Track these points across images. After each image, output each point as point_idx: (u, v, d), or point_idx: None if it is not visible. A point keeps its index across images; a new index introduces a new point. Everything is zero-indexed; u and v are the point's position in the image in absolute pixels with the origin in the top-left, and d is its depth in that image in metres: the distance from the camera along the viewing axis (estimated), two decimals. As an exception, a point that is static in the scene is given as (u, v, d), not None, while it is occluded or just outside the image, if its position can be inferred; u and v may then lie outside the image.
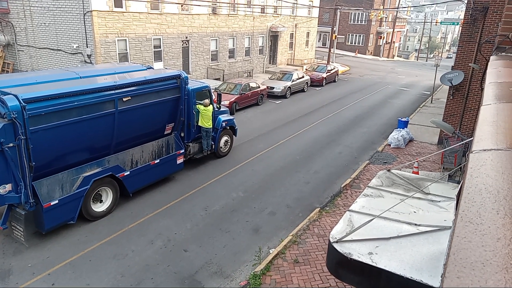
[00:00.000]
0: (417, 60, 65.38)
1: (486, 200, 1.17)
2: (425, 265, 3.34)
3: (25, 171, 7.73)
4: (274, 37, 32.61)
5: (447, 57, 66.77)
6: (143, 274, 7.70)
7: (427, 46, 75.93)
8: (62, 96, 8.10)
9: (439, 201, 4.63)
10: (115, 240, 8.76)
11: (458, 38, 16.53)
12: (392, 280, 3.32)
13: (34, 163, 7.83)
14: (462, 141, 11.28)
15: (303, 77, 25.72)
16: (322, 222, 9.68)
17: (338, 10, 37.00)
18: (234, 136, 14.16)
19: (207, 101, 12.11)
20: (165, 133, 11.28)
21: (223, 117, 13.38)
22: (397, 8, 57.29)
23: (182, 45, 23.49)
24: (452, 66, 15.35)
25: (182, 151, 11.69)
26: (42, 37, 20.86)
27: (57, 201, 8.39)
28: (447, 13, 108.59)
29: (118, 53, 19.69)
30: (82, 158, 9.08)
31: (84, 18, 18.30)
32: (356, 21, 54.37)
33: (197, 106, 12.04)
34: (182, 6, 22.68)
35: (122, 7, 19.42)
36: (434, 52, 73.77)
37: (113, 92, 9.10)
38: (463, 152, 12.23)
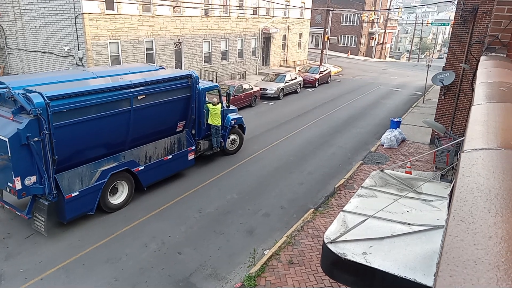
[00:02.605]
0: (409, 60, 65.89)
1: (477, 199, 1.18)
2: (418, 264, 3.36)
3: (48, 164, 8.23)
4: (266, 38, 32.67)
5: (438, 58, 67.44)
6: (137, 277, 7.66)
7: (418, 46, 76.57)
8: (82, 94, 8.64)
9: (432, 201, 4.67)
10: (109, 243, 8.70)
11: (449, 38, 16.70)
12: (386, 280, 3.34)
13: (57, 157, 8.32)
14: (454, 140, 11.38)
15: (296, 78, 25.79)
16: (316, 223, 9.70)
17: (330, 11, 37.18)
18: (243, 134, 14.56)
19: (215, 100, 12.66)
20: (177, 130, 11.76)
21: (232, 116, 13.81)
22: (389, 9, 57.71)
23: (175, 47, 23.43)
24: (443, 66, 15.51)
25: (193, 147, 12.20)
26: (32, 40, 20.67)
27: (77, 193, 8.92)
28: (437, 14, 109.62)
29: (110, 56, 19.58)
30: (100, 153, 9.57)
31: (75, 21, 18.18)
32: (348, 22, 54.68)
33: (206, 104, 12.51)
34: (174, 8, 22.63)
35: (113, 10, 19.31)
36: (426, 52, 74.39)
37: (129, 90, 9.63)
38: (455, 151, 12.34)
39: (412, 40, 75.63)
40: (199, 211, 10.23)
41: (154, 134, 10.93)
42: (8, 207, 9.29)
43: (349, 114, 20.74)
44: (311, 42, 51.45)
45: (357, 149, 15.43)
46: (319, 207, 10.58)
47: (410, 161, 12.09)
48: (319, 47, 45.26)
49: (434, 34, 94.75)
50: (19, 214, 8.94)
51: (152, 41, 21.81)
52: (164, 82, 10.67)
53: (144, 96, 10.02)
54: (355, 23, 53.85)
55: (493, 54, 4.71)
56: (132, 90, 9.71)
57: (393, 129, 16.32)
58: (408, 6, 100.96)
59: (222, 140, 13.37)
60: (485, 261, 0.87)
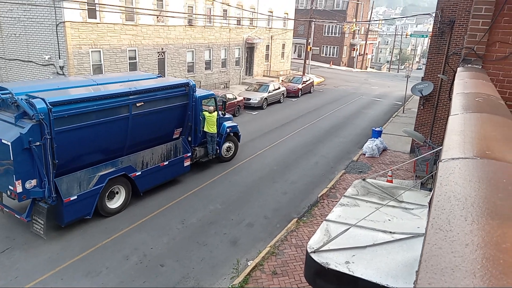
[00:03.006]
0: (389, 71, 67.33)
1: (455, 207, 1.20)
2: (400, 272, 3.39)
3: (49, 168, 8.42)
4: (250, 48, 32.91)
5: (417, 68, 69.09)
6: (118, 291, 7.47)
7: (398, 57, 78.40)
8: (83, 100, 8.89)
9: (413, 209, 4.74)
10: (89, 256, 8.49)
11: (427, 50, 17.17)
12: (369, 289, 3.35)
13: (57, 161, 8.52)
14: (433, 149, 11.62)
15: (279, 88, 25.99)
16: (299, 233, 9.70)
17: (313, 22, 37.78)
18: (238, 141, 14.84)
19: (211, 107, 12.98)
20: (173, 137, 12.01)
21: (228, 124, 14.17)
22: (369, 21, 59.04)
23: (158, 56, 23.34)
24: (422, 77, 15.90)
25: (189, 154, 12.44)
26: (12, 49, 20.26)
27: (75, 197, 9.12)
28: (416, 26, 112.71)
29: (92, 65, 19.35)
30: (98, 158, 9.77)
31: (56, 29, 17.93)
32: (330, 33, 55.62)
33: (202, 112, 12.77)
34: (158, 17, 22.60)
35: (96, 18, 19.16)
36: (405, 63, 76.19)
37: (128, 97, 9.88)
38: (434, 160, 12.60)
39: (392, 51, 77.42)
40: (182, 222, 10.10)
41: (152, 140, 11.16)
42: (7, 210, 9.35)
43: (332, 124, 20.98)
44: (294, 52, 52.06)
45: (339, 158, 15.59)
46: (302, 217, 10.60)
47: (391, 170, 12.28)
48: (302, 57, 45.81)
49: (413, 45, 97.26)
50: (19, 217, 9.04)
51: (135, 50, 21.68)
52: (162, 90, 10.94)
53: (142, 103, 10.24)
54: (337, 34, 54.83)
55: (469, 65, 4.86)
56: (131, 97, 9.94)
57: (375, 139, 16.57)
58: (388, 18, 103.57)
59: (217, 147, 13.67)
60: (462, 268, 0.89)
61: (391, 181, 11.78)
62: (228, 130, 14.05)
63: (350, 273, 3.47)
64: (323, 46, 56.35)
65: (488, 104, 2.83)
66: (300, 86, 28.69)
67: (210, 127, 12.95)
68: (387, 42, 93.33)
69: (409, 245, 3.78)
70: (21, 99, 8.19)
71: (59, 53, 18.27)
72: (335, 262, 3.61)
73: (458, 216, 1.14)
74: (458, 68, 4.79)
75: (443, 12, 14.17)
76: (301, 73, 34.64)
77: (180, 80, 12.20)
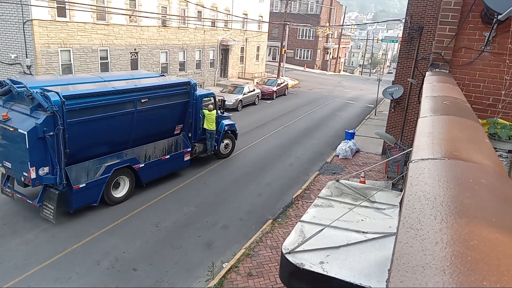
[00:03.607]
0: (361, 74, 68.79)
1: (424, 207, 1.24)
2: (373, 271, 3.46)
3: (60, 156, 9.04)
4: (225, 50, 32.84)
5: (388, 72, 70.95)
6: (89, 297, 7.26)
7: (370, 61, 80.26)
8: (93, 95, 9.53)
9: (384, 209, 4.85)
10: (57, 262, 8.20)
11: (398, 55, 17.66)
12: (343, 288, 3.40)
13: (68, 150, 9.15)
14: (403, 151, 11.95)
15: (254, 90, 26.05)
16: (275, 234, 9.74)
17: (287, 25, 38.12)
18: (235, 139, 15.48)
19: (211, 106, 13.63)
20: (175, 133, 12.67)
21: (226, 122, 14.77)
22: (342, 25, 60.18)
23: (131, 57, 22.91)
24: (393, 80, 16.34)
25: (189, 149, 13.09)
26: (-26, 46, 19.35)
27: (84, 185, 9.73)
28: (387, 32, 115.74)
29: (61, 64, 18.75)
30: (105, 150, 10.39)
31: (23, 27, 17.28)
32: (304, 36, 56.28)
33: (202, 110, 13.33)
34: (130, 17, 22.19)
35: (65, 17, 18.59)
36: (377, 67, 78.06)
37: (133, 94, 10.51)
38: (404, 161, 12.95)
39: (364, 55, 79.19)
40: (156, 225, 9.93)
41: (154, 135, 11.78)
42: (20, 196, 9.97)
43: (306, 126, 21.21)
44: (268, 55, 52.35)
45: (313, 160, 15.77)
46: (277, 218, 10.64)
47: (364, 171, 12.53)
48: (276, 60, 46.12)
49: (384, 50, 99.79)
50: (31, 202, 9.65)
51: (107, 50, 21.19)
52: (165, 88, 11.61)
53: (147, 99, 10.89)
54: (311, 37, 55.56)
55: (437, 70, 5.03)
56: (136, 93, 10.59)
57: (348, 140, 16.87)
58: (360, 23, 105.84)
59: (216, 144, 14.27)
60: (433, 266, 0.91)
61: (364, 182, 12.02)
62: (226, 128, 14.64)
63: (325, 273, 3.51)
64: (297, 49, 56.95)
65: (455, 107, 2.94)
66: (274, 89, 28.86)
67: (210, 125, 13.56)
68: (359, 46, 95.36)
69: (381, 244, 3.87)
70: (36, 92, 8.79)
71: (26, 52, 17.62)
72: (309, 262, 3.64)
73: (428, 215, 1.18)
74: (427, 73, 4.95)
75: (412, 18, 14.63)
76: (276, 76, 34.87)
77: (182, 79, 13.25)
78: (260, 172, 14.08)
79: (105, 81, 10.87)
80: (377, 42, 67.06)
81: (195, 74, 28.98)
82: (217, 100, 14.22)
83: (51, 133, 8.74)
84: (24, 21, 17.16)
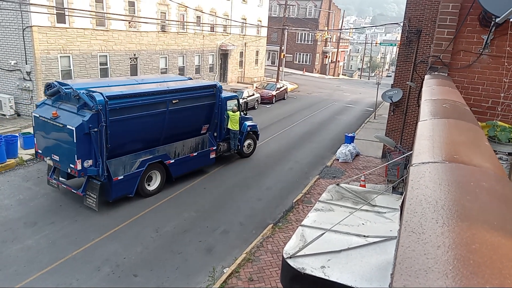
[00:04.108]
0: (360, 78, 68.96)
1: (426, 210, 1.24)
2: (374, 275, 3.45)
3: (103, 150, 9.99)
4: (224, 55, 32.93)
5: (387, 76, 71.13)
6: (89, 303, 7.22)
7: (368, 65, 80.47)
8: (132, 96, 10.54)
9: (385, 212, 4.84)
10: (57, 269, 8.17)
11: (396, 58, 17.70)
12: (344, 292, 3.38)
13: (109, 145, 10.09)
14: (403, 154, 11.95)
15: (253, 94, 26.09)
16: (275, 238, 9.71)
17: (286, 30, 38.26)
18: (256, 140, 16.30)
19: (235, 107, 14.46)
20: (201, 132, 13.51)
21: (248, 123, 15.58)
22: (340, 29, 60.40)
23: (130, 62, 22.96)
24: (392, 84, 16.38)
25: (215, 148, 13.92)
26: (-26, 53, 19.38)
27: (122, 177, 10.69)
28: (385, 35, 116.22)
29: (61, 70, 18.79)
30: (140, 146, 11.31)
31: (23, 34, 17.33)
32: (303, 40, 56.46)
33: (227, 111, 14.17)
34: (129, 23, 22.27)
35: (65, 23, 18.65)
36: (375, 71, 78.29)
37: (166, 95, 11.42)
38: (404, 165, 12.94)
39: (363, 59, 79.41)
40: (156, 231, 9.91)
41: (183, 134, 12.66)
42: (65, 186, 11.00)
43: (306, 130, 21.22)
44: (267, 59, 52.48)
45: (313, 164, 15.77)
46: (278, 223, 10.62)
47: (364, 174, 12.52)
48: (275, 64, 46.22)
49: (382, 53, 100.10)
50: (75, 192, 10.64)
51: (107, 55, 21.24)
52: (194, 90, 12.54)
53: (177, 100, 11.76)
54: (310, 41, 55.74)
55: (436, 73, 5.05)
56: (168, 95, 11.48)
57: (348, 144, 16.88)
58: (358, 26, 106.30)
59: (239, 144, 15.06)
60: (435, 270, 0.91)
61: (364, 186, 12.01)
62: (248, 128, 15.46)
63: (326, 277, 3.50)
64: (296, 53, 57.12)
65: (455, 110, 2.95)
66: (274, 93, 28.90)
67: (233, 125, 14.44)
68: (358, 50, 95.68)
69: (382, 248, 3.86)
70: (83, 93, 9.80)
71: (26, 58, 17.65)
72: (311, 267, 3.63)
73: (429, 218, 1.18)
74: (426, 76, 4.96)
75: (410, 22, 14.69)
76: (275, 80, 34.93)
77: (209, 82, 14.25)
78: (260, 176, 14.07)
79: (139, 83, 12.01)
80: (376, 45, 67.30)
81: (195, 79, 29.02)
82: (240, 102, 15.19)
83: (95, 129, 9.72)
84: (24, 27, 17.22)
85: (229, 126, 14.43)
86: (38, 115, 10.57)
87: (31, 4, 16.52)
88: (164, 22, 25.18)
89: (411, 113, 14.92)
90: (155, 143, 11.77)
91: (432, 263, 0.94)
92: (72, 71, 19.34)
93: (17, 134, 14.70)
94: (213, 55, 31.11)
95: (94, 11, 19.92)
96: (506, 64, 4.64)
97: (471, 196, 1.35)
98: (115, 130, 10.13)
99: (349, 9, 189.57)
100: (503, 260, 0.96)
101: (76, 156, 9.72)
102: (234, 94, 15.51)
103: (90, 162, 10.02)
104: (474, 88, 4.95)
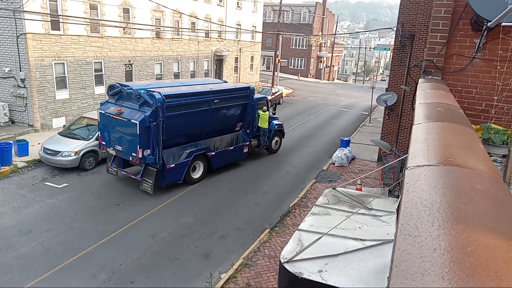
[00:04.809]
0: (355, 82, 69.30)
1: (422, 213, 1.24)
2: (371, 278, 3.46)
3: (159, 142, 11.61)
4: (219, 61, 32.98)
5: (382, 80, 71.48)
6: (85, 311, 7.16)
7: (363, 69, 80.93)
8: (183, 95, 12.27)
9: (382, 216, 4.85)
10: (53, 277, 8.09)
11: (390, 62, 17.83)
12: (342, 296, 3.38)
13: (165, 137, 11.73)
14: (399, 157, 11.99)
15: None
16: (272, 243, 9.69)
17: (280, 35, 38.43)
18: (282, 138, 17.79)
19: (265, 107, 16.04)
20: (236, 129, 15.03)
21: (276, 122, 17.16)
22: (335, 34, 60.76)
23: (125, 68, 22.93)
24: (386, 88, 16.47)
25: (247, 143, 15.46)
26: (-32, 60, 19.27)
27: (173, 165, 12.31)
28: (379, 40, 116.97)
29: (55, 77, 18.71)
30: (187, 140, 12.93)
31: (17, 41, 17.26)
32: (297, 46, 56.71)
33: (258, 111, 15.75)
34: (124, 29, 22.26)
35: (59, 30, 18.61)
36: (370, 75, 78.70)
37: (209, 95, 13.11)
38: (400, 168, 12.98)
39: (357, 64, 79.86)
40: (153, 236, 9.85)
41: (221, 130, 14.20)
42: (124, 173, 12.71)
43: (301, 134, 21.26)
44: (262, 65, 52.62)
45: (310, 168, 15.78)
46: (275, 227, 10.60)
47: (360, 178, 12.55)
48: (270, 69, 46.36)
49: (376, 58, 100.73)
50: (134, 177, 12.29)
51: (101, 62, 21.20)
52: (232, 92, 14.19)
53: (218, 100, 13.39)
54: (304, 46, 55.99)
55: (430, 77, 5.09)
56: (211, 95, 13.13)
57: (343, 148, 16.91)
58: (352, 31, 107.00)
59: (267, 140, 16.56)
60: (431, 273, 0.92)
61: (360, 189, 12.03)
62: (276, 127, 16.94)
63: (324, 281, 3.49)
64: (291, 58, 57.32)
65: (449, 113, 2.97)
66: (269, 98, 28.91)
67: (263, 123, 15.91)
68: (352, 54, 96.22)
69: (379, 251, 3.86)
70: (143, 92, 11.43)
71: (20, 65, 17.58)
72: (308, 271, 3.63)
73: (425, 221, 1.18)
74: (420, 80, 5.00)
75: (404, 26, 14.82)
76: (270, 85, 35.00)
77: (244, 84, 16.20)
78: (257, 180, 14.05)
79: (183, 85, 13.72)
80: (370, 50, 67.75)
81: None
82: (269, 103, 16.83)
83: (154, 123, 11.30)
84: (18, 34, 17.16)
85: (260, 124, 15.90)
86: (103, 112, 12.25)
87: (25, 11, 16.49)
88: (159, 28, 25.20)
89: (406, 117, 15.00)
90: (199, 137, 13.33)
91: (429, 266, 0.95)
92: (67, 77, 19.28)
93: (11, 142, 14.60)
94: (208, 60, 31.16)
95: (88, 18, 19.90)
96: (498, 67, 4.69)
97: (466, 198, 1.36)
98: (170, 125, 11.73)
99: (343, 14, 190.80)
100: (499, 262, 0.97)
101: (138, 146, 11.33)
102: (264, 96, 17.28)
103: (148, 151, 11.56)
104: (467, 91, 4.99)
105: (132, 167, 12.76)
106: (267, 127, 16.10)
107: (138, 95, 11.48)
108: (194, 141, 13.18)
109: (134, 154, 11.51)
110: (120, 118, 11.68)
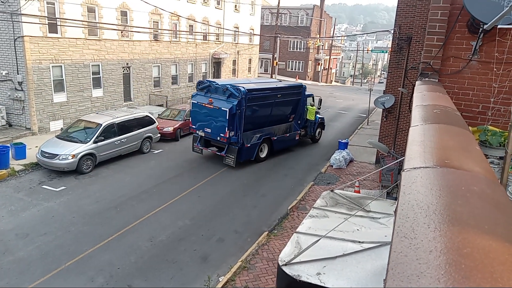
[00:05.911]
0: (353, 85, 69.42)
1: (418, 215, 1.24)
2: (369, 281, 3.45)
3: (241, 125, 14.73)
4: (217, 63, 33.01)
5: (379, 82, 71.58)
6: (83, 315, 7.12)
7: (361, 72, 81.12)
8: (258, 90, 15.42)
9: (380, 218, 4.85)
10: (50, 281, 8.05)
11: (388, 64, 17.89)
12: (340, 299, 3.37)
13: (244, 122, 14.71)
14: (397, 159, 12.00)
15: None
16: (271, 246, 9.68)
17: (278, 38, 38.50)
18: (323, 129, 20.89)
19: (312, 103, 19.10)
20: (289, 120, 17.84)
21: (319, 116, 19.93)
22: (332, 36, 60.92)
23: (123, 71, 22.92)
24: (384, 90, 16.50)
25: (299, 132, 18.34)
26: (-35, 63, 19.21)
27: (249, 145, 15.43)
28: (376, 42, 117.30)
29: (53, 80, 18.70)
30: (257, 126, 15.81)
31: (14, 44, 17.24)
32: (295, 48, 56.80)
33: (306, 105, 18.58)
34: (122, 32, 22.27)
35: (57, 33, 18.60)
36: (367, 77, 78.87)
37: (274, 91, 16.30)
38: (398, 170, 13.00)
39: (355, 66, 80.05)
40: (150, 240, 9.82)
41: (279, 120, 17.06)
42: (210, 151, 16.05)
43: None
44: (260, 67, 52.68)
45: (308, 170, 15.79)
46: (273, 230, 10.59)
47: (358, 180, 12.55)
48: (268, 72, 46.43)
49: (374, 60, 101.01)
50: (219, 154, 15.52)
51: (99, 65, 21.19)
52: (290, 89, 17.43)
53: (280, 95, 16.41)
54: (302, 49, 56.10)
55: (427, 79, 5.11)
56: (276, 91, 16.29)
57: (341, 150, 16.93)
58: (350, 34, 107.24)
59: (313, 131, 19.36)
60: (427, 275, 0.92)
61: (359, 192, 12.03)
62: (319, 120, 19.81)
63: (322, 284, 3.49)
64: (289, 61, 57.41)
65: (446, 115, 2.98)
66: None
67: (311, 116, 18.66)
68: (350, 57, 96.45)
69: (377, 253, 3.86)
70: (230, 87, 14.53)
71: (17, 68, 17.55)
72: (306, 274, 3.62)
73: (421, 223, 1.18)
74: (417, 82, 5.01)
75: (401, 29, 14.88)
76: (268, 87, 34.94)
77: (297, 82, 20.05)
78: (255, 183, 14.05)
79: (252, 82, 16.99)
80: (367, 52, 67.86)
81: (188, 88, 29.05)
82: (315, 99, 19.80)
83: (239, 111, 14.37)
84: (15, 37, 17.14)
85: (308, 117, 18.62)
86: (196, 101, 15.46)
87: (23, 14, 16.48)
88: (157, 31, 25.22)
89: (404, 119, 15.04)
90: (264, 124, 16.17)
91: (424, 268, 0.94)
92: (64, 80, 19.25)
93: (8, 145, 14.55)
94: (206, 63, 31.18)
95: (86, 21, 19.90)
96: (495, 69, 4.71)
97: (462, 200, 1.36)
98: (248, 113, 14.75)
99: (341, 17, 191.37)
100: (495, 264, 0.97)
101: (226, 128, 14.44)
102: (311, 93, 19.58)
103: (232, 133, 14.58)
104: (464, 94, 5.01)
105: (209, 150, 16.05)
106: (313, 119, 18.82)
107: (225, 89, 14.53)
108: (261, 128, 16.01)
109: (222, 135, 14.58)
110: (211, 107, 14.78)
